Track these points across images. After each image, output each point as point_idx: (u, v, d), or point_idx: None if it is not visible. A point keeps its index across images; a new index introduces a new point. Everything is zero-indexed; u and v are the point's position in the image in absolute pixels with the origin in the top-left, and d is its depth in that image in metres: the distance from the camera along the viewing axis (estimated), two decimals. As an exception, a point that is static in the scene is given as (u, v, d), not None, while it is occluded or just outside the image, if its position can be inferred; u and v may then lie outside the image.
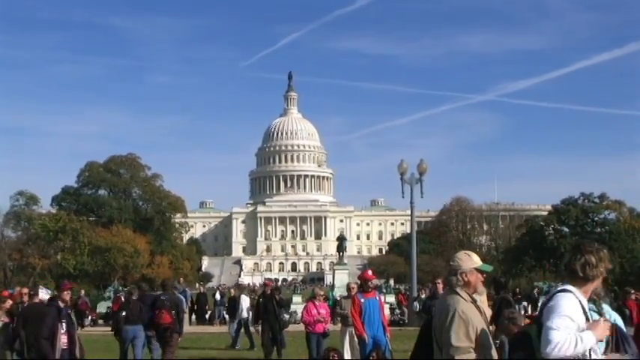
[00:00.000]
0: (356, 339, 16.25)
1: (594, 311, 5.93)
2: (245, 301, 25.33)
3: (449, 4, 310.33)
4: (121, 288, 59.57)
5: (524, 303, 38.34)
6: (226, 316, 31.01)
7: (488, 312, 14.46)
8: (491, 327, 13.75)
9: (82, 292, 45.04)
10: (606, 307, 5.99)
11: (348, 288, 17.16)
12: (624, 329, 5.94)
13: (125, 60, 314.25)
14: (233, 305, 24.38)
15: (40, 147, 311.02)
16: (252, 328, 22.67)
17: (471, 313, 5.94)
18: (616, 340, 5.75)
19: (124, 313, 17.25)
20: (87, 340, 20.99)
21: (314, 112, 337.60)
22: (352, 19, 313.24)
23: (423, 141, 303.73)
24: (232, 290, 27.02)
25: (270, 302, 19.75)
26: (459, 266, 6.10)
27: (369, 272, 16.21)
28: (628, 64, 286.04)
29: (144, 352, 17.03)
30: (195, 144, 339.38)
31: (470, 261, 6.14)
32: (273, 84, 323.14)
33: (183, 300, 18.79)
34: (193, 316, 37.41)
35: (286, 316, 23.42)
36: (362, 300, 14.88)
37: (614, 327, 5.80)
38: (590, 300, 5.94)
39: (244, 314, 24.71)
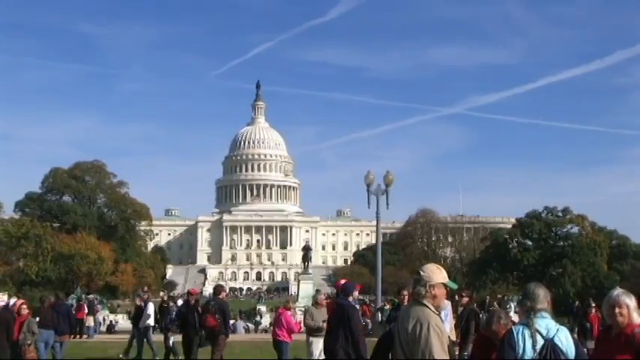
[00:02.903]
0: (321, 347, 16.13)
1: (525, 326, 5.93)
2: (150, 308, 23.82)
3: (418, 18, 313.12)
4: (84, 296, 59.10)
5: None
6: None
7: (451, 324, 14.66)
8: (457, 339, 13.94)
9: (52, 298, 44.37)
10: (542, 322, 6.00)
11: (315, 301, 17.05)
12: (569, 347, 5.89)
13: (94, 67, 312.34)
14: (140, 314, 23.27)
15: (5, 152, 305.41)
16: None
17: (442, 326, 5.95)
18: (544, 357, 5.80)
19: (37, 319, 19.44)
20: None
21: (283, 122, 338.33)
22: (323, 30, 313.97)
23: (390, 152, 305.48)
24: (138, 299, 25.43)
25: (191, 314, 18.50)
26: (430, 278, 6.05)
27: (344, 281, 16.15)
28: (593, 80, 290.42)
29: (47, 353, 19.78)
30: (162, 151, 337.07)
31: (440, 275, 6.10)
32: (242, 93, 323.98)
33: (228, 304, 18.85)
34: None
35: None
36: None
37: (548, 343, 5.83)
38: (527, 315, 5.98)
39: (149, 321, 23.33)
